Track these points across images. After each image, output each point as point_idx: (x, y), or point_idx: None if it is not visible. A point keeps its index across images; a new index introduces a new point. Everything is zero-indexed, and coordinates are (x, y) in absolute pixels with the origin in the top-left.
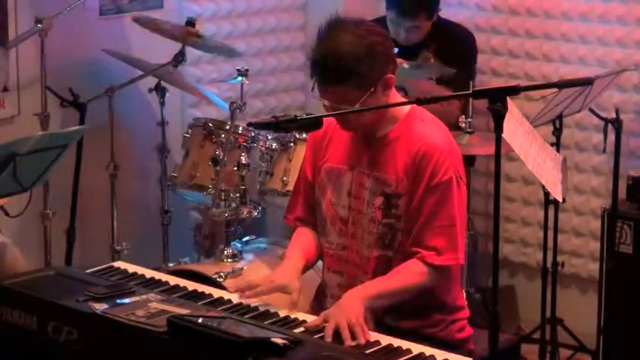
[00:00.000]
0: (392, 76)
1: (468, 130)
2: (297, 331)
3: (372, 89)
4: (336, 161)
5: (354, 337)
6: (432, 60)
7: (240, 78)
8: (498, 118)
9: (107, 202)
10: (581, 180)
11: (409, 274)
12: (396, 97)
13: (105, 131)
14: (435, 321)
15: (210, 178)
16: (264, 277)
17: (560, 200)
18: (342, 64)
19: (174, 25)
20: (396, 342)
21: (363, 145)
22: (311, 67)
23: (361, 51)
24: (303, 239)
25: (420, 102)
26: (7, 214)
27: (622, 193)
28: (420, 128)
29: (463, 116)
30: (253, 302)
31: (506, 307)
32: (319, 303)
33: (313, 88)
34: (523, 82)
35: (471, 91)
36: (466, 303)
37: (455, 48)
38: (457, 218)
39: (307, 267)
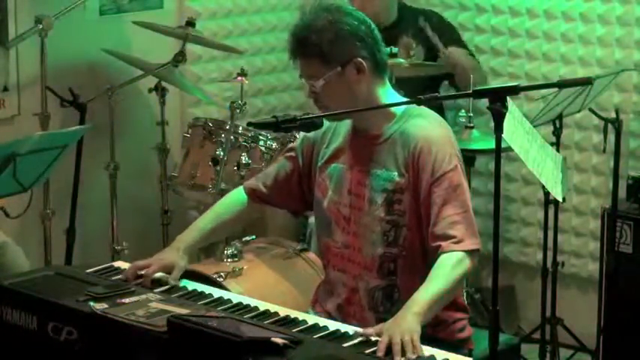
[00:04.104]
0: (361, 60)
1: (469, 125)
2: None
3: (339, 68)
4: (337, 161)
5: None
6: (414, 45)
7: (240, 78)
8: (498, 118)
9: (107, 202)
10: (581, 180)
11: (447, 269)
12: (383, 90)
13: (105, 131)
14: (437, 321)
15: (210, 178)
16: (155, 257)
17: (560, 200)
18: (306, 37)
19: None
20: None
21: (361, 143)
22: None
23: (326, 27)
24: (222, 209)
25: (420, 102)
26: (7, 215)
27: (622, 193)
28: (416, 122)
29: (463, 111)
30: (253, 302)
31: (506, 307)
32: (323, 301)
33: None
34: (523, 82)
35: (470, 91)
36: (466, 303)
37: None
38: (469, 203)
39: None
